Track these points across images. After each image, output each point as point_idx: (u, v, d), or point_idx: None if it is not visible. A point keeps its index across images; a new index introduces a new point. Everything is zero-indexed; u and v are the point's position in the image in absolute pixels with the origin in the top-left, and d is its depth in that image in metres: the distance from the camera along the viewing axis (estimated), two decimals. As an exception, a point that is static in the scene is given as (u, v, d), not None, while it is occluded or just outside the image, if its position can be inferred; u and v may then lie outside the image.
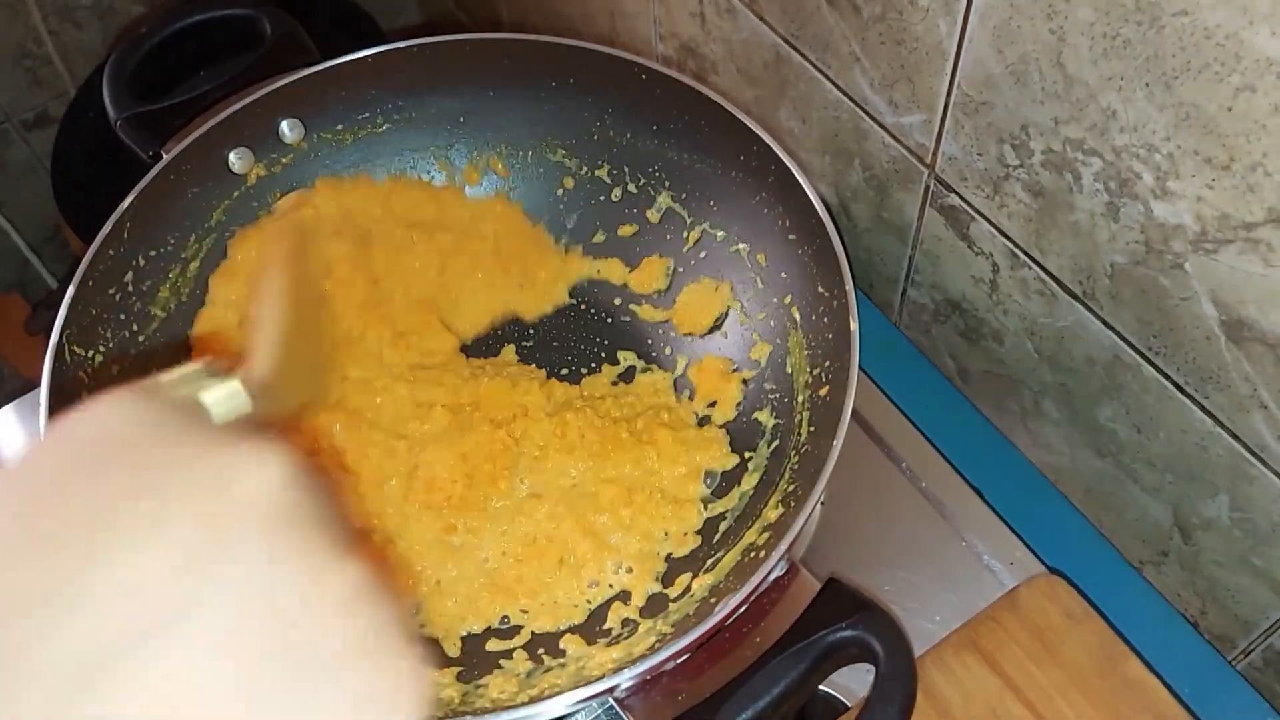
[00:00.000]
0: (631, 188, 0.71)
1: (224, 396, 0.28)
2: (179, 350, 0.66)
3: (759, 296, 0.66)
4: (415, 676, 0.23)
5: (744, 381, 0.66)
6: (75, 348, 0.60)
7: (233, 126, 0.67)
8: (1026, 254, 0.60)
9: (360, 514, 0.60)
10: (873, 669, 0.49)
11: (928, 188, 0.65)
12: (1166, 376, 0.56)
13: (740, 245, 0.67)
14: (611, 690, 0.48)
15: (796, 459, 0.59)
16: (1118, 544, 0.66)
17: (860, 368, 0.55)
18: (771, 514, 0.57)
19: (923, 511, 0.64)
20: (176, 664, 0.19)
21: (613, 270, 0.71)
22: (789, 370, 0.63)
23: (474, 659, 0.58)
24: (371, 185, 0.72)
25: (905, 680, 0.48)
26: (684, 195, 0.69)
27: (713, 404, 0.66)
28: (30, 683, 0.19)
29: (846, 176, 0.72)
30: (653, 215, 0.71)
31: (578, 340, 0.70)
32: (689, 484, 0.62)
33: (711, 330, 0.68)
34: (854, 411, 0.53)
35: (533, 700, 0.50)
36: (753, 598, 0.51)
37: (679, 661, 0.51)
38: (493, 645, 0.58)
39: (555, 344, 0.70)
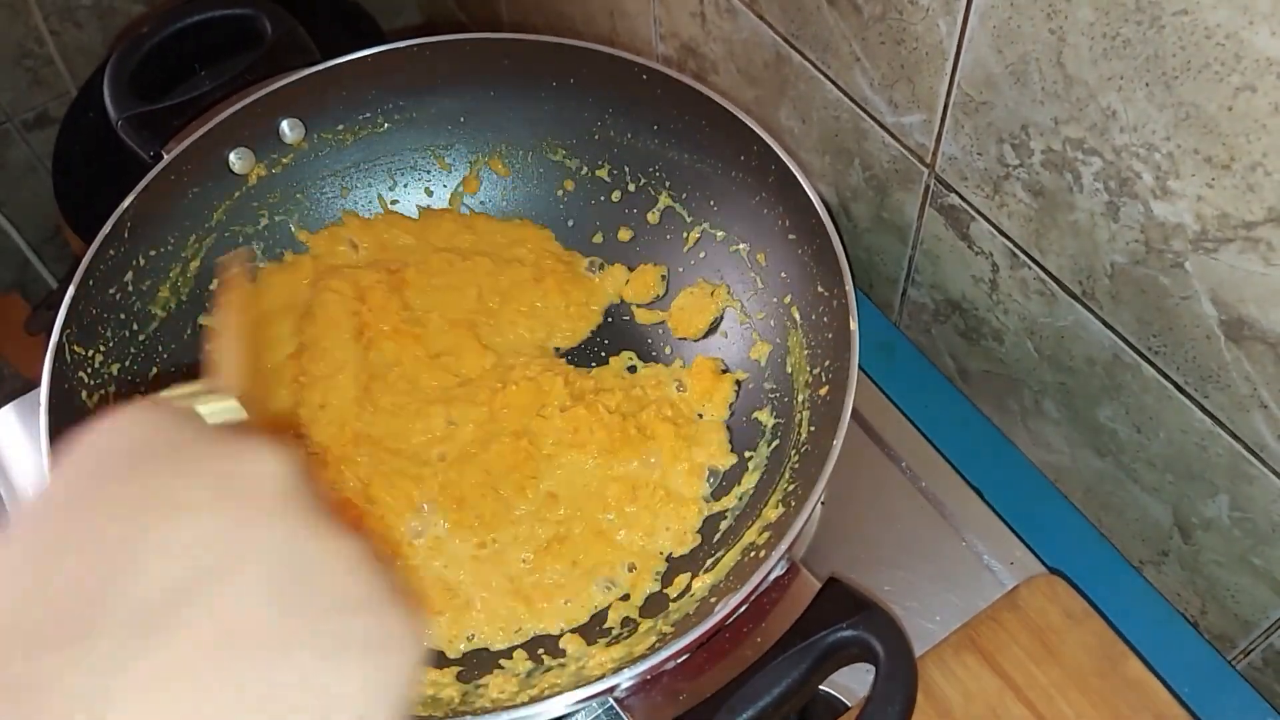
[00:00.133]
0: (631, 188, 0.71)
1: (219, 409, 0.34)
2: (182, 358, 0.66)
3: (759, 296, 0.66)
4: (411, 622, 0.27)
5: (737, 382, 0.66)
6: (75, 347, 0.60)
7: (233, 126, 0.67)
8: (1026, 254, 0.60)
9: (389, 542, 0.60)
10: (873, 669, 0.49)
11: (928, 187, 0.65)
12: (1166, 376, 0.56)
13: (740, 245, 0.67)
14: (611, 690, 0.48)
15: (797, 458, 0.59)
16: (1118, 544, 0.66)
17: (860, 367, 0.55)
18: (772, 513, 0.57)
19: (923, 511, 0.64)
20: (225, 610, 0.24)
21: (618, 276, 0.71)
22: (789, 370, 0.63)
23: (474, 659, 0.58)
24: (402, 219, 0.73)
25: (906, 680, 0.48)
26: (684, 195, 0.69)
27: (707, 404, 0.66)
28: (106, 627, 0.23)
29: (846, 176, 0.72)
30: (653, 216, 0.71)
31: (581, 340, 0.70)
32: (692, 480, 0.62)
33: (708, 334, 0.68)
34: (854, 411, 0.53)
35: (533, 700, 0.50)
36: (753, 597, 0.51)
37: (679, 661, 0.51)
38: (493, 645, 0.59)
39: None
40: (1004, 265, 0.63)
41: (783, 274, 0.64)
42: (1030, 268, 0.61)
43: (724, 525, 0.61)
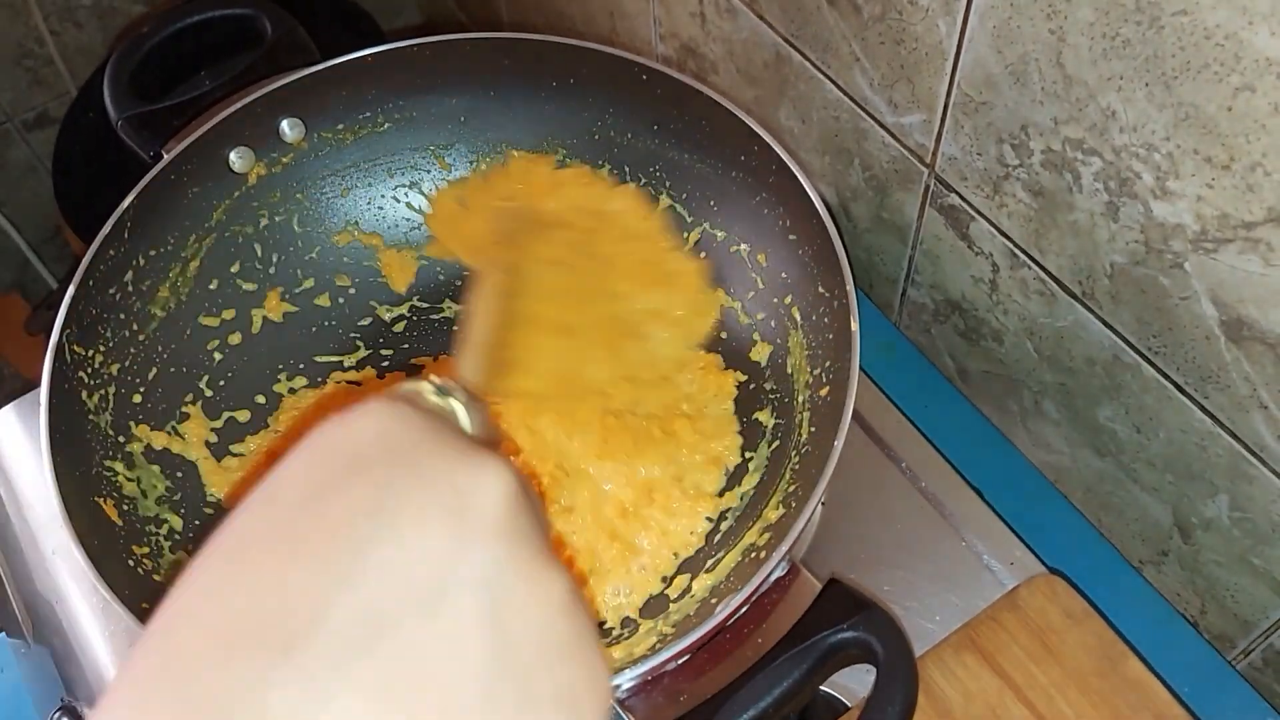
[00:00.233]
0: (632, 188, 0.71)
1: (467, 409, 0.32)
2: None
3: (759, 297, 0.66)
4: (607, 677, 0.26)
5: (738, 384, 0.66)
6: (75, 347, 0.60)
7: (233, 126, 0.67)
8: (1026, 254, 0.61)
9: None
10: (873, 669, 0.49)
11: (927, 188, 0.65)
12: (1166, 376, 0.56)
13: (741, 245, 0.67)
14: (612, 690, 0.48)
15: (797, 459, 0.59)
16: (1117, 544, 0.66)
17: (860, 368, 0.55)
18: (772, 514, 0.57)
19: (923, 511, 0.64)
20: (430, 641, 0.23)
21: None
22: (789, 370, 0.63)
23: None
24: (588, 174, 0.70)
25: (906, 680, 0.48)
26: (684, 195, 0.69)
27: (713, 398, 0.66)
28: (315, 644, 0.22)
29: (846, 176, 0.72)
30: (653, 215, 0.71)
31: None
32: (711, 470, 0.62)
33: (708, 334, 0.68)
34: (854, 412, 0.53)
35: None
36: (753, 598, 0.51)
37: (680, 662, 0.51)
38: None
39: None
40: (1004, 265, 0.63)
41: (783, 274, 0.64)
42: (1030, 268, 0.61)
43: (724, 526, 0.61)
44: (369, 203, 0.73)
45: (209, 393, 0.67)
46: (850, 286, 0.56)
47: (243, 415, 0.68)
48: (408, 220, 0.74)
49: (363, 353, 0.71)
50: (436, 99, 0.71)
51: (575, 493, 0.62)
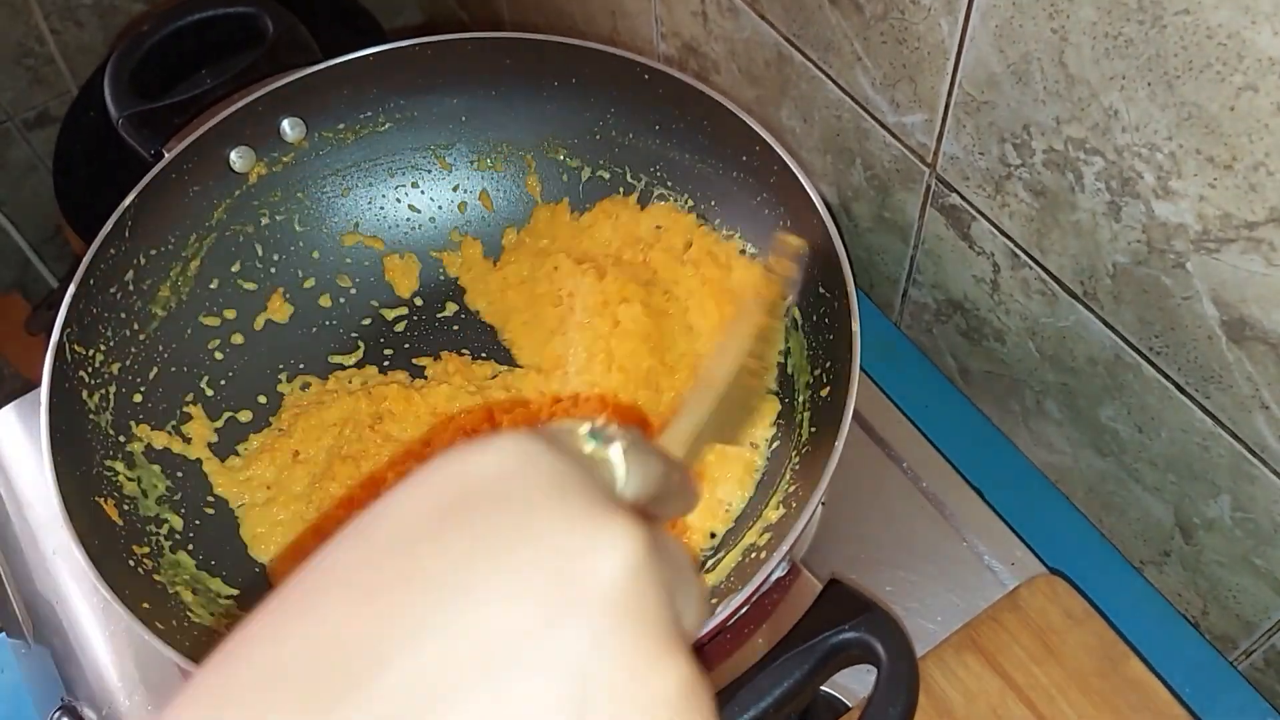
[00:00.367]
0: (633, 187, 0.71)
1: (634, 470, 0.27)
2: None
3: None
4: None
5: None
6: (76, 347, 0.60)
7: (234, 125, 0.67)
8: (1028, 254, 0.60)
9: None
10: (874, 670, 0.49)
11: (929, 187, 0.65)
12: (1168, 376, 0.56)
13: (743, 246, 0.67)
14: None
15: (797, 459, 0.58)
16: (1119, 544, 0.66)
17: (861, 368, 0.55)
18: (772, 514, 0.57)
19: (923, 511, 0.63)
20: (489, 717, 0.20)
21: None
22: (790, 371, 0.63)
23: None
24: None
25: (907, 681, 0.48)
26: (685, 195, 0.69)
27: None
28: (360, 703, 0.20)
29: (848, 176, 0.72)
30: (654, 215, 0.71)
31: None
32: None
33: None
34: (855, 412, 0.53)
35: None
36: (754, 599, 0.51)
37: (680, 662, 0.51)
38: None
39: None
40: (1005, 265, 0.63)
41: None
42: (1032, 268, 0.61)
43: (725, 526, 0.61)
44: (370, 202, 0.73)
45: (210, 392, 0.67)
46: (851, 286, 0.56)
47: (244, 415, 0.68)
48: (408, 220, 0.74)
49: (363, 352, 0.71)
50: (437, 98, 0.71)
51: None
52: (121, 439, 0.62)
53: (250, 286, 0.70)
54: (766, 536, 0.56)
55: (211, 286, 0.68)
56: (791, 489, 0.57)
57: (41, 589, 0.66)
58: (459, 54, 0.69)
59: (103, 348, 0.62)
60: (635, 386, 0.63)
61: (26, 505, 0.69)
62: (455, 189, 0.74)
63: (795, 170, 0.60)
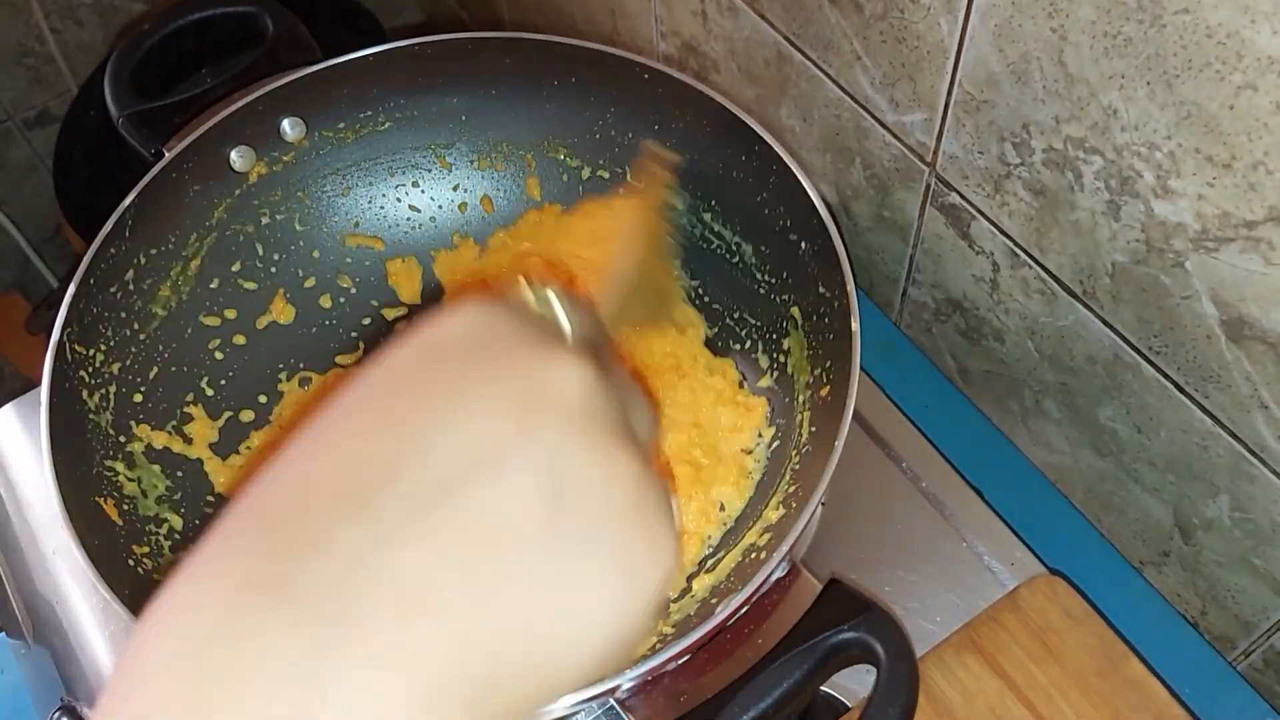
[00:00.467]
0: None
1: (574, 318, 0.32)
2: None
3: (760, 297, 0.66)
4: (671, 542, 0.27)
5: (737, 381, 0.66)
6: (76, 347, 0.60)
7: (234, 124, 0.67)
8: (1027, 253, 0.60)
9: None
10: (874, 670, 0.49)
11: (928, 186, 0.65)
12: (1167, 376, 0.56)
13: (742, 245, 0.67)
14: (612, 691, 0.48)
15: (797, 459, 0.58)
16: (1118, 544, 0.66)
17: (860, 368, 0.55)
18: (772, 515, 0.57)
19: (923, 512, 0.63)
20: (492, 503, 0.25)
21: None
22: (790, 371, 0.63)
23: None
24: None
25: (907, 681, 0.48)
26: (685, 195, 0.69)
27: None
28: (385, 499, 0.24)
29: (847, 175, 0.72)
30: (654, 214, 0.71)
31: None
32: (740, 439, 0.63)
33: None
34: (854, 411, 0.53)
35: (533, 700, 0.50)
36: (754, 598, 0.51)
37: (680, 662, 0.51)
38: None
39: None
40: (1005, 264, 0.63)
41: (784, 274, 0.64)
42: (1031, 267, 0.61)
43: (725, 526, 0.61)
44: (370, 202, 0.73)
45: (210, 392, 0.67)
46: (851, 286, 0.56)
47: (246, 415, 0.68)
48: (409, 219, 0.74)
49: (364, 352, 0.71)
50: (437, 98, 0.71)
51: None
52: (122, 439, 0.62)
53: (251, 286, 0.70)
54: (766, 537, 0.56)
55: (212, 286, 0.68)
56: (791, 489, 0.57)
57: (41, 589, 0.67)
58: (459, 54, 0.69)
59: (103, 347, 0.62)
60: None
61: (26, 505, 0.69)
62: (456, 188, 0.74)
63: (795, 169, 0.60)
